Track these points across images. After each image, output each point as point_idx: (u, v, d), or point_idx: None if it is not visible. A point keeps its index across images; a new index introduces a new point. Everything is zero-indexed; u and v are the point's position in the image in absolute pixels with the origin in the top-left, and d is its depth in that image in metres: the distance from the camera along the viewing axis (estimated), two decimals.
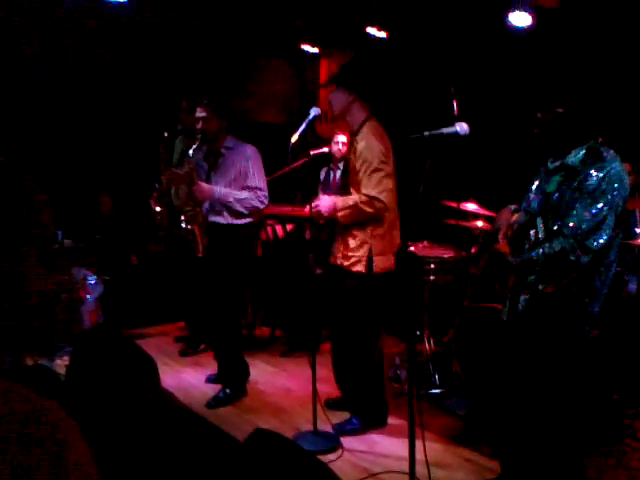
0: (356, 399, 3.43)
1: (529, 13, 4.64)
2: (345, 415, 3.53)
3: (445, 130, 2.30)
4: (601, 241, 2.18)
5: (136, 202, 5.22)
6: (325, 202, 3.35)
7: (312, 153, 5.17)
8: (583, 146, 2.30)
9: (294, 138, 3.25)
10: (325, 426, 3.25)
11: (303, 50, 6.97)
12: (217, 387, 4.07)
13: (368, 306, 3.26)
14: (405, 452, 2.29)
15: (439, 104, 4.56)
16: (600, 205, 2.17)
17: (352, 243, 3.29)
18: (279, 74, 7.36)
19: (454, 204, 4.16)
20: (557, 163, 2.37)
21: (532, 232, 2.34)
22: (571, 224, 2.19)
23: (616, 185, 2.19)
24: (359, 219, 3.24)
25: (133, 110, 6.01)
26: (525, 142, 2.60)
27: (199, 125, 3.77)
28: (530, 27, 4.67)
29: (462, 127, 2.27)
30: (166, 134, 4.49)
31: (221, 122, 3.80)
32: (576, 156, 2.30)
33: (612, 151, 2.28)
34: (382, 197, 3.17)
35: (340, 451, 3.10)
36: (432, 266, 3.96)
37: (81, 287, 5.18)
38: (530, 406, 2.41)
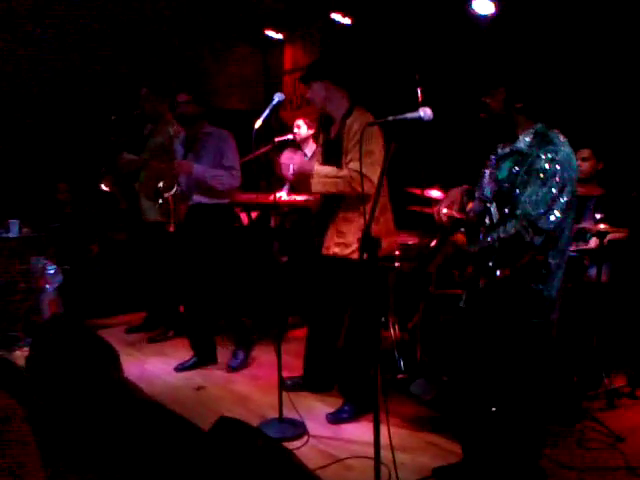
0: (350, 386, 3.42)
1: (491, 1, 4.68)
2: (310, 402, 3.56)
3: (409, 115, 2.29)
4: (552, 219, 2.21)
5: (95, 189, 5.11)
6: (304, 162, 3.35)
7: (276, 140, 5.13)
8: (530, 130, 2.33)
9: (258, 124, 3.22)
10: (290, 413, 3.24)
11: (267, 36, 6.90)
12: (183, 376, 4.04)
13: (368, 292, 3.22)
14: (371, 437, 2.29)
15: (404, 90, 4.57)
16: (550, 186, 2.20)
17: (347, 229, 3.28)
18: (243, 60, 7.28)
19: (418, 191, 4.18)
20: (507, 149, 2.41)
21: (487, 220, 2.36)
22: (523, 206, 2.22)
23: (565, 167, 2.22)
24: (340, 192, 3.22)
25: (92, 96, 5.86)
26: (485, 128, 2.62)
27: (179, 109, 3.98)
28: (493, 14, 4.72)
29: (426, 112, 2.27)
30: (113, 117, 4.56)
31: (200, 108, 3.99)
32: (524, 140, 2.33)
33: (561, 135, 2.31)
34: (374, 178, 3.14)
35: (306, 438, 3.10)
36: (397, 253, 3.97)
37: (40, 276, 5.06)
38: (489, 391, 2.44)
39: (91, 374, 2.88)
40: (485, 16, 4.71)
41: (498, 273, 2.28)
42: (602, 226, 3.57)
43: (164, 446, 2.24)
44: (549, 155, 2.22)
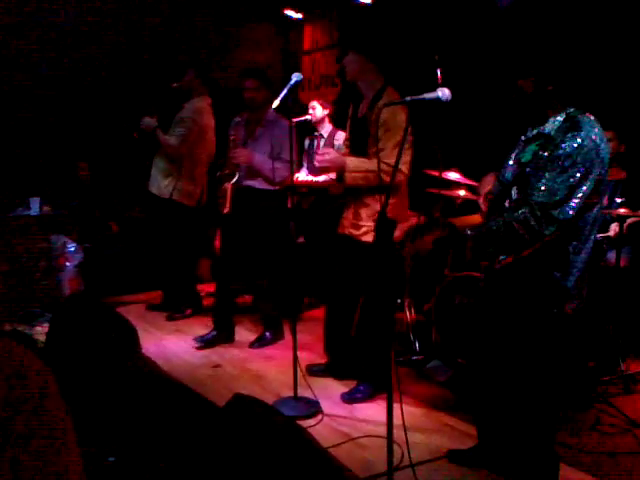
0: (364, 366, 3.42)
1: None
2: (325, 381, 3.58)
3: (427, 95, 2.26)
4: (570, 212, 2.12)
5: (115, 168, 5.15)
6: (334, 158, 3.32)
7: (294, 121, 5.12)
8: (561, 113, 2.25)
9: (275, 103, 3.22)
10: (305, 392, 3.27)
11: (287, 15, 6.85)
12: (200, 354, 4.09)
13: (382, 273, 3.23)
14: (385, 417, 2.31)
15: (423, 71, 4.52)
16: (570, 175, 2.12)
17: (364, 212, 3.27)
18: (262, 40, 7.23)
19: (436, 173, 4.15)
20: (534, 132, 2.33)
21: (507, 203, 2.33)
22: (538, 192, 2.15)
23: (591, 154, 2.14)
24: (369, 184, 3.19)
25: (113, 78, 5.88)
26: (508, 110, 2.58)
27: (247, 94, 4.01)
28: None
29: (444, 92, 2.24)
30: (136, 135, 4.67)
31: (268, 93, 3.99)
32: (554, 124, 2.25)
33: (592, 117, 2.24)
34: (404, 169, 3.18)
35: (320, 416, 3.13)
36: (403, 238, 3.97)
37: (60, 254, 5.13)
38: (505, 376, 2.44)
39: (109, 351, 2.93)
40: None
41: (501, 259, 2.25)
42: (622, 210, 3.54)
43: (180, 421, 2.28)
44: (575, 141, 2.13)
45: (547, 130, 2.26)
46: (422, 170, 4.27)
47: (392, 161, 3.02)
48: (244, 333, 4.51)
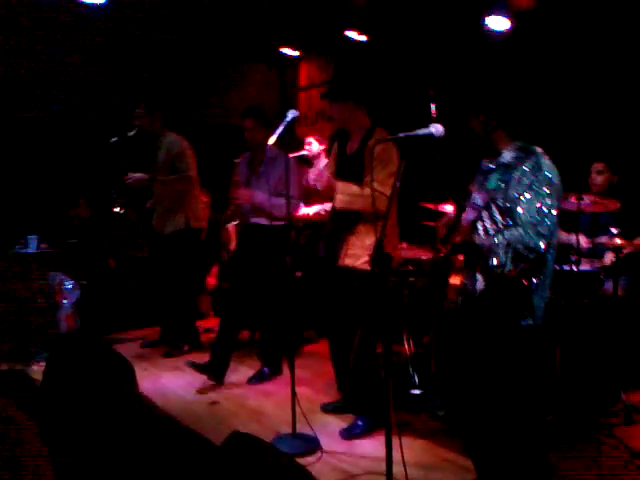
0: (362, 400, 3.40)
1: (507, 17, 4.70)
2: (324, 417, 3.56)
3: (420, 131, 2.32)
4: (551, 226, 2.37)
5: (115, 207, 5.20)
6: (330, 179, 3.38)
7: (291, 156, 5.18)
8: (512, 146, 2.50)
9: (272, 140, 3.27)
10: (304, 428, 3.23)
11: (283, 53, 6.97)
12: (197, 391, 4.06)
13: (380, 306, 3.23)
14: (382, 450, 2.29)
15: (418, 107, 4.59)
16: (542, 195, 2.35)
17: (356, 241, 3.31)
18: (259, 77, 7.36)
19: (432, 206, 4.18)
20: (492, 165, 2.57)
21: (479, 224, 2.48)
22: (522, 214, 2.36)
23: (551, 175, 2.39)
24: (356, 208, 3.26)
25: (111, 115, 5.95)
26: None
27: (246, 134, 4.12)
28: (508, 30, 4.73)
29: (437, 129, 2.29)
30: (114, 139, 4.71)
31: (267, 131, 3.99)
32: (509, 154, 2.49)
33: (540, 149, 2.48)
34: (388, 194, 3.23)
35: (319, 453, 3.09)
36: (409, 267, 3.98)
37: (58, 292, 5.12)
38: (491, 404, 2.48)
39: (106, 389, 2.90)
40: (500, 32, 4.73)
41: (506, 272, 2.38)
42: (618, 241, 3.55)
43: (178, 461, 2.25)
44: (534, 167, 2.38)
45: (504, 160, 2.50)
46: (418, 203, 4.30)
47: (383, 190, 3.15)
48: (242, 369, 4.48)
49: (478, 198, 2.59)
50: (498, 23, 4.73)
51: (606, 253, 3.84)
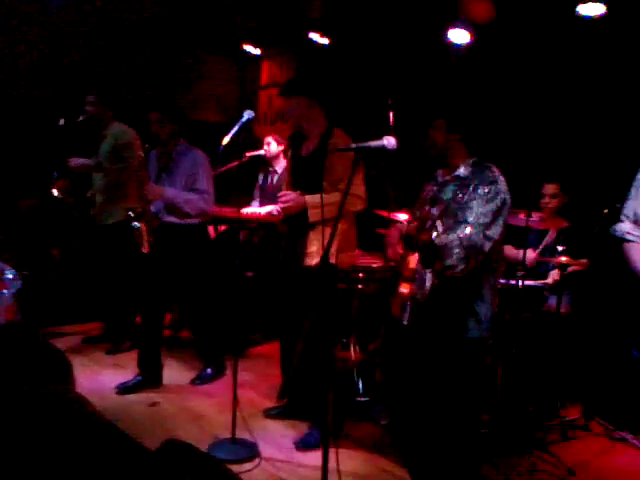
0: (318, 409, 3.29)
1: (467, 30, 4.75)
2: (265, 422, 3.51)
3: (372, 143, 2.32)
4: (497, 233, 2.44)
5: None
6: (296, 197, 3.32)
7: (248, 155, 5.12)
8: (468, 161, 2.57)
9: (225, 140, 3.20)
10: (245, 434, 3.19)
11: (245, 51, 6.90)
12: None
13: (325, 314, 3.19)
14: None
15: (376, 114, 4.59)
16: (494, 204, 2.44)
17: (311, 236, 3.29)
18: (219, 73, 7.26)
19: (385, 213, 4.19)
20: (447, 177, 2.64)
21: (434, 235, 2.51)
22: (474, 217, 2.43)
23: (504, 190, 2.48)
24: (331, 217, 3.11)
25: (48, 100, 5.75)
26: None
27: (152, 128, 3.95)
28: (468, 44, 4.79)
29: (389, 141, 2.29)
30: (62, 121, 4.56)
31: (173, 126, 3.97)
32: (465, 169, 2.57)
33: (495, 167, 2.56)
34: (363, 196, 3.32)
35: (257, 460, 3.05)
36: (360, 275, 3.97)
37: None
38: (431, 415, 2.51)
39: (39, 385, 2.80)
40: (460, 45, 4.77)
41: (458, 270, 2.41)
42: (564, 258, 3.62)
43: (108, 466, 2.18)
44: (489, 179, 2.47)
45: (460, 173, 2.57)
46: (372, 210, 4.30)
47: (358, 190, 3.23)
48: (184, 369, 4.40)
49: (433, 209, 2.63)
50: (459, 36, 4.78)
51: (551, 270, 3.92)
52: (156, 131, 3.95)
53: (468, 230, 2.41)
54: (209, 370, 4.22)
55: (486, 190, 2.45)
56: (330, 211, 3.15)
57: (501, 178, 2.50)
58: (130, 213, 3.99)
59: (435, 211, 2.60)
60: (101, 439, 2.32)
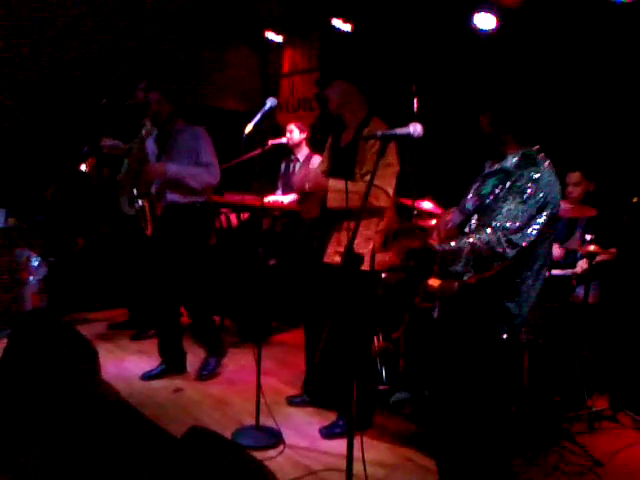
0: (345, 400, 3.23)
1: (493, 15, 4.66)
2: (288, 410, 3.52)
3: (398, 131, 2.27)
4: (528, 238, 2.22)
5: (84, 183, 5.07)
6: (319, 176, 3.26)
7: (270, 143, 5.11)
8: (518, 152, 2.35)
9: (248, 128, 3.18)
10: (268, 421, 3.19)
11: (267, 38, 6.86)
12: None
13: (368, 304, 3.17)
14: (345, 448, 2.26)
15: (400, 101, 4.54)
16: (529, 205, 2.21)
17: (344, 240, 3.16)
18: (242, 61, 7.24)
19: (409, 202, 4.15)
20: (495, 167, 2.42)
21: (467, 229, 2.37)
22: (500, 218, 2.23)
23: (547, 190, 2.24)
24: (351, 206, 3.05)
25: (88, 88, 5.79)
26: (480, 142, 2.62)
27: (152, 107, 3.89)
28: (494, 29, 4.70)
29: (415, 128, 2.24)
30: (104, 101, 4.53)
31: (171, 106, 3.91)
32: (512, 161, 2.35)
33: (547, 161, 2.33)
34: (390, 192, 3.16)
35: (281, 447, 3.05)
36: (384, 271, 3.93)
37: (24, 268, 5.01)
38: (459, 407, 2.44)
39: (66, 372, 2.82)
40: (485, 31, 4.69)
41: (465, 278, 2.27)
42: (592, 247, 3.55)
43: (134, 453, 2.19)
44: (531, 176, 2.24)
45: (506, 166, 2.35)
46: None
47: (383, 185, 3.10)
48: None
49: (470, 203, 2.47)
50: (485, 21, 4.69)
51: (579, 260, 3.85)
52: (155, 110, 3.90)
53: (485, 235, 2.21)
54: (212, 360, 4.11)
55: (523, 188, 2.23)
56: (352, 200, 3.13)
57: (547, 174, 2.26)
58: (133, 191, 3.96)
59: (470, 207, 2.44)
60: (127, 425, 2.34)
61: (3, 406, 2.80)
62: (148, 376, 3.98)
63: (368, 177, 3.13)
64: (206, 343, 4.17)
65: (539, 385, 3.34)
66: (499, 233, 2.20)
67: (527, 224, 2.21)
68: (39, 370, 2.92)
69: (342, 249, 3.21)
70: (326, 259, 3.32)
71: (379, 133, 2.30)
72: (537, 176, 2.23)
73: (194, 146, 3.85)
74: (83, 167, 4.83)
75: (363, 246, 3.16)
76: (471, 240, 2.23)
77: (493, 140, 2.40)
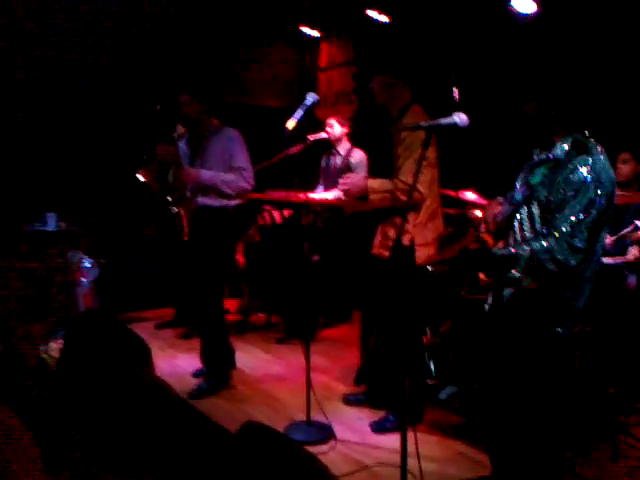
0: (395, 395, 3.25)
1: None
2: (338, 405, 3.55)
3: (443, 121, 2.25)
4: (584, 236, 2.16)
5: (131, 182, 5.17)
6: (357, 181, 3.27)
7: (310, 138, 5.11)
8: (568, 138, 2.27)
9: (290, 125, 3.19)
10: (319, 416, 3.22)
11: (303, 33, 6.87)
12: None
13: (410, 298, 3.18)
14: (399, 444, 2.27)
15: (440, 90, 4.49)
16: (585, 202, 2.15)
17: (393, 232, 3.23)
18: (279, 57, 7.26)
19: (452, 192, 4.11)
20: (542, 156, 2.35)
21: (516, 224, 2.32)
22: (561, 222, 2.17)
23: (602, 178, 2.16)
24: (388, 204, 3.16)
25: (132, 94, 5.90)
26: (521, 132, 2.57)
27: (183, 110, 3.83)
28: (534, 14, 4.59)
29: (461, 118, 2.22)
30: (159, 107, 4.49)
31: (202, 106, 3.82)
32: (561, 149, 2.27)
33: (599, 146, 2.25)
34: (420, 187, 3.11)
35: (333, 442, 3.08)
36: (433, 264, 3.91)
37: (76, 270, 5.14)
38: (513, 401, 2.41)
39: (122, 370, 2.90)
40: (525, 15, 4.59)
41: (525, 284, 2.24)
42: None
43: (192, 448, 2.25)
44: (586, 166, 2.17)
45: (556, 154, 2.28)
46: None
47: (409, 179, 3.02)
48: (256, 352, 4.48)
49: (519, 194, 2.42)
50: (523, 4, 4.59)
51: (629, 248, 3.75)
52: (186, 113, 3.83)
53: (549, 243, 2.17)
54: (210, 382, 3.84)
55: (580, 177, 2.16)
56: (386, 198, 3.16)
57: (600, 162, 2.18)
58: (168, 198, 3.94)
59: (520, 197, 2.40)
60: (184, 420, 2.40)
61: (63, 405, 2.90)
62: (200, 373, 4.04)
63: (400, 175, 3.12)
64: (210, 364, 3.93)
65: (593, 377, 3.28)
66: (562, 241, 2.15)
67: (582, 223, 2.15)
68: (96, 369, 3.02)
69: (388, 241, 3.23)
70: (373, 251, 3.37)
71: (423, 124, 2.29)
72: (590, 165, 2.16)
73: (227, 150, 3.79)
74: (140, 176, 4.79)
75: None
76: (532, 247, 2.19)
77: (541, 128, 2.33)
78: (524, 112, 2.36)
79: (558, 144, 2.29)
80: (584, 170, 2.16)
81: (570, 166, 2.19)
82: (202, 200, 3.83)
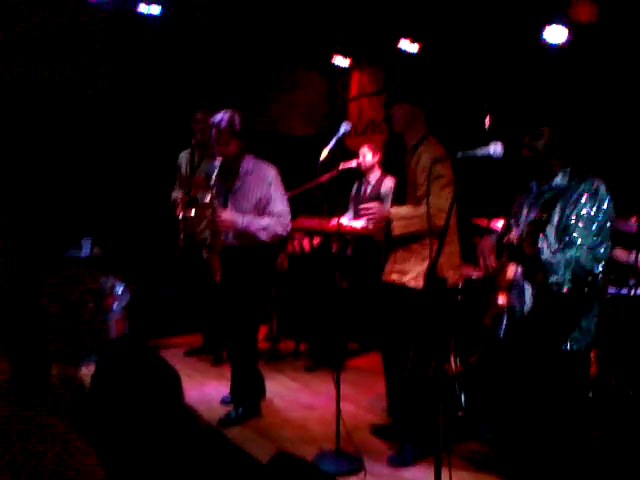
0: (413, 425, 3.26)
1: (566, 28, 4.56)
2: (368, 436, 3.51)
3: (479, 152, 2.27)
4: (607, 251, 2.44)
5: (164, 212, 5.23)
6: (377, 209, 3.29)
7: (341, 167, 5.14)
8: (566, 169, 2.54)
9: (323, 154, 3.23)
10: (348, 447, 3.19)
11: (334, 62, 6.96)
12: None
13: (427, 324, 3.16)
14: (430, 477, 2.23)
15: (471, 119, 4.51)
16: (597, 224, 2.42)
17: (410, 258, 3.24)
18: (309, 85, 7.35)
19: (484, 222, 4.09)
20: (545, 186, 2.61)
21: (543, 248, 2.47)
22: (580, 237, 2.41)
23: (606, 203, 2.44)
24: (416, 230, 3.14)
25: (159, 122, 6.02)
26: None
27: (195, 128, 3.85)
28: (565, 43, 4.59)
29: (496, 149, 2.22)
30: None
31: (241, 143, 3.64)
32: (563, 178, 2.55)
33: (592, 176, 2.52)
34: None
35: (363, 474, 3.04)
36: (460, 285, 3.88)
37: (108, 295, 5.21)
38: (537, 427, 2.47)
39: (152, 397, 2.92)
40: (556, 45, 4.59)
41: (565, 290, 2.41)
42: None
43: (223, 477, 2.25)
44: (590, 194, 2.44)
45: (558, 183, 2.55)
46: (470, 219, 4.22)
47: (443, 203, 3.02)
48: (285, 380, 4.46)
49: (530, 217, 2.62)
50: (555, 35, 4.59)
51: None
52: (223, 153, 3.61)
53: (575, 252, 2.39)
54: (233, 413, 3.75)
55: (590, 205, 2.43)
56: (414, 224, 3.15)
57: (602, 188, 2.46)
58: (207, 243, 3.75)
59: (530, 220, 2.56)
60: (217, 451, 2.40)
61: (95, 431, 2.92)
62: (228, 400, 4.04)
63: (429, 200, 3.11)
64: (240, 394, 3.86)
65: (629, 407, 3.20)
66: (585, 251, 2.38)
67: (603, 239, 2.41)
68: (126, 397, 3.04)
69: (402, 266, 3.25)
70: (384, 277, 3.37)
71: (459, 154, 2.31)
72: (596, 190, 2.44)
73: (266, 195, 3.62)
74: (181, 214, 4.55)
75: (416, 264, 3.20)
76: (566, 257, 2.39)
77: (542, 160, 2.56)
78: (528, 145, 2.59)
79: (559, 174, 2.55)
80: (591, 196, 2.44)
81: (578, 193, 2.46)
82: (230, 241, 3.69)
